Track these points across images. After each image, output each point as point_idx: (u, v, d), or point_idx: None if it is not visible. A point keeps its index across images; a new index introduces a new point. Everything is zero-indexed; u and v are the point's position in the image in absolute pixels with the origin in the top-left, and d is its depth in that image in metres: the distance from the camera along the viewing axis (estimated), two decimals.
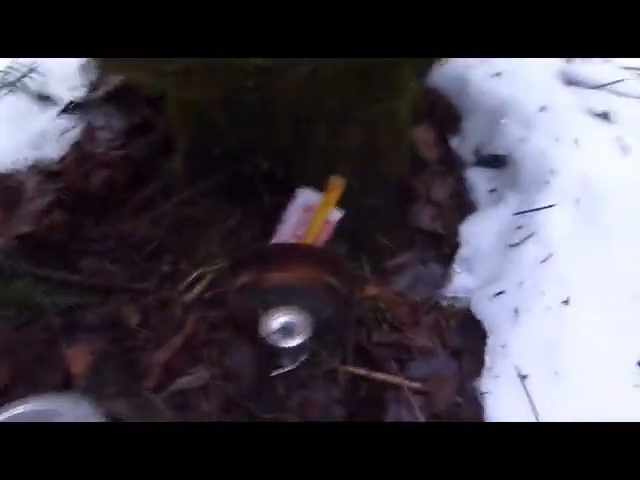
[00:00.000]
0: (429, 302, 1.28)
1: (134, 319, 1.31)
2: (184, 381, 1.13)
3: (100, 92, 1.86)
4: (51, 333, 1.25)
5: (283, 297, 1.21)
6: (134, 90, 1.79)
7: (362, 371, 1.15)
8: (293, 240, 1.34)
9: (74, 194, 1.56)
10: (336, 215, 1.36)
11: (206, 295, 1.35)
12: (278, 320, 1.17)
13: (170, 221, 1.53)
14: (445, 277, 1.33)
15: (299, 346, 1.14)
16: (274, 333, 1.14)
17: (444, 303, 1.27)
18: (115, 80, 1.85)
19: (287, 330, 1.16)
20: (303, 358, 1.15)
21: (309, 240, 1.32)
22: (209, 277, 1.38)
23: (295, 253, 1.23)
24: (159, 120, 1.72)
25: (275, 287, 1.21)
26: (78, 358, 1.19)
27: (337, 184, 1.34)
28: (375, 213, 1.40)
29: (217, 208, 1.57)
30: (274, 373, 1.13)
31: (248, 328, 1.04)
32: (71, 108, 1.83)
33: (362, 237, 1.41)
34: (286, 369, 1.14)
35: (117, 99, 1.83)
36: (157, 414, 1.05)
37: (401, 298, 1.29)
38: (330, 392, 1.13)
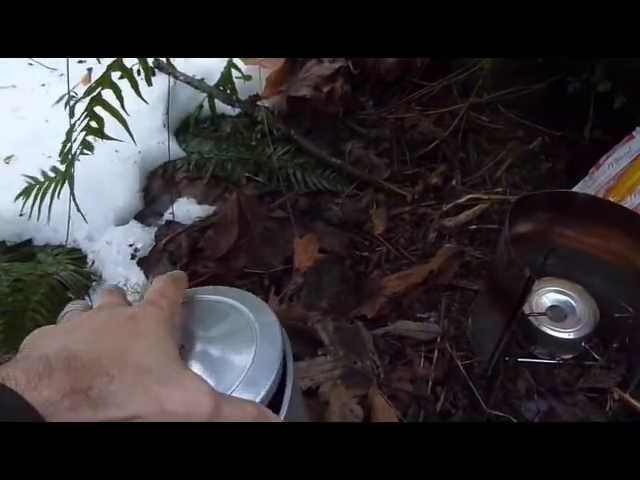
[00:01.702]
0: None
1: (380, 227, 1.10)
2: (408, 326, 0.90)
3: None
4: (289, 213, 1.11)
5: (569, 266, 0.89)
6: None
7: None
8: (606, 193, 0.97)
9: (363, 68, 1.36)
10: None
11: (472, 227, 1.08)
12: (551, 297, 0.86)
13: (458, 125, 1.26)
14: None
15: (568, 340, 0.82)
16: (541, 312, 0.83)
17: None
18: None
19: (559, 314, 0.85)
20: (568, 357, 0.84)
21: (618, 197, 0.95)
22: (483, 206, 1.11)
23: (605, 212, 0.87)
24: None
25: (563, 250, 0.89)
26: (305, 251, 1.04)
27: None
28: None
29: (520, 124, 1.26)
30: (521, 360, 0.84)
31: (510, 293, 0.76)
32: None
33: None
34: (539, 361, 0.84)
35: None
36: (361, 353, 0.85)
37: None
38: (586, 414, 0.81)
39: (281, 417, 0.50)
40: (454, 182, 1.17)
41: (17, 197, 1.10)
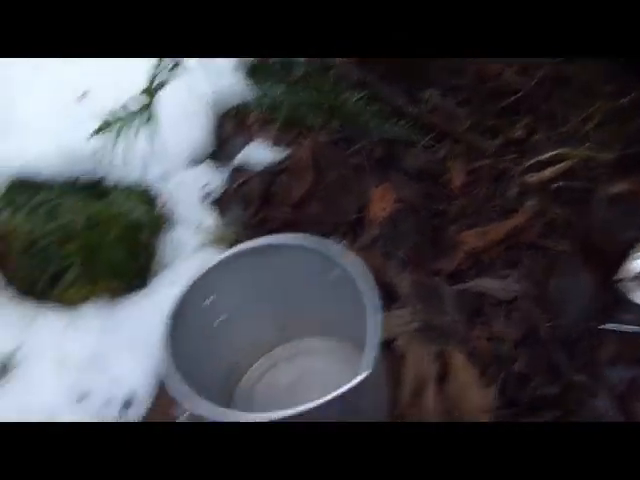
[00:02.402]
0: None
1: (458, 180, 1.07)
2: (488, 284, 0.88)
3: None
4: (365, 161, 1.08)
5: None
6: None
7: None
8: None
9: None
10: None
11: (556, 185, 1.03)
12: None
13: (545, 75, 1.19)
14: None
15: None
16: (630, 278, 0.80)
17: None
18: None
19: None
20: None
21: None
22: (569, 163, 1.05)
23: None
24: None
25: None
26: (382, 201, 1.02)
27: None
28: None
29: (610, 77, 1.18)
30: (606, 326, 0.81)
31: (603, 256, 0.72)
32: None
33: None
34: (625, 328, 0.81)
35: None
36: (439, 308, 0.84)
37: None
38: None
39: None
40: (538, 136, 1.11)
41: (95, 132, 1.09)
